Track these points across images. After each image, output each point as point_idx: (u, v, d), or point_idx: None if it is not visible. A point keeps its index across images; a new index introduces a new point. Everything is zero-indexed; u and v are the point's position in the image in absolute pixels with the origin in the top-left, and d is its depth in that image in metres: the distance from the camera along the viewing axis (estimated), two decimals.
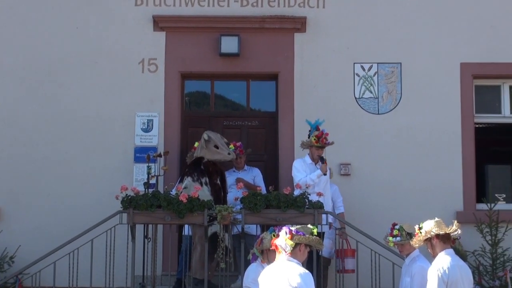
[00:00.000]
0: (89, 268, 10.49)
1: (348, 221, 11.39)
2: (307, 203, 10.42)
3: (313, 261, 10.19)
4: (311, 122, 11.36)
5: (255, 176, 12.01)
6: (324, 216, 10.57)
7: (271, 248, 7.89)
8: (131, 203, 10.30)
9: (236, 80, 13.00)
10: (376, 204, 12.18)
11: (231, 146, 11.57)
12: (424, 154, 12.41)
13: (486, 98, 12.89)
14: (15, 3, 12.67)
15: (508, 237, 11.82)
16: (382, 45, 12.67)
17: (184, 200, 10.20)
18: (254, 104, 13.02)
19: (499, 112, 12.83)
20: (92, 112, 12.44)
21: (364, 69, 12.63)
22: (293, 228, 7.27)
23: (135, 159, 12.34)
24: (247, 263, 9.27)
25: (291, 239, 7.18)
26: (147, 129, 12.44)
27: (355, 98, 12.59)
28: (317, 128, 11.28)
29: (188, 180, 10.98)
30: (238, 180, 11.58)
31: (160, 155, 11.73)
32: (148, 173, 11.47)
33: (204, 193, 10.72)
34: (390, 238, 9.02)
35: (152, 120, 12.46)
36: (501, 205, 12.27)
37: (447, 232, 7.95)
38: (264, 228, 10.27)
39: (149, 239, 10.83)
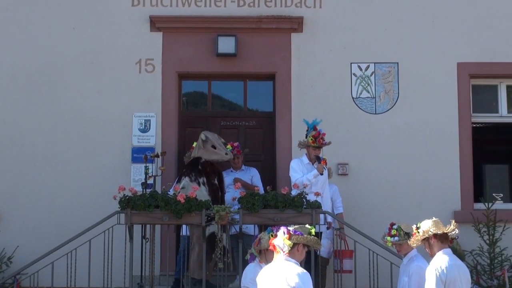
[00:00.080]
0: (87, 268, 10.48)
1: (346, 221, 11.42)
2: (305, 203, 10.41)
3: (311, 261, 10.20)
4: (309, 122, 11.37)
5: (252, 176, 12.02)
6: (322, 216, 10.58)
7: (269, 248, 7.88)
8: (129, 204, 10.29)
9: (233, 80, 13.00)
10: (374, 204, 12.19)
11: (229, 146, 11.57)
12: (421, 154, 12.42)
13: (483, 98, 12.90)
14: (12, 4, 12.66)
15: (506, 236, 11.82)
16: (379, 45, 12.68)
17: (182, 200, 10.19)
18: (251, 104, 13.02)
19: (496, 112, 12.85)
20: (90, 113, 12.43)
21: (361, 69, 12.64)
22: (291, 228, 7.28)
23: (132, 160, 12.35)
24: (245, 263, 9.28)
25: (289, 239, 7.19)
26: (145, 129, 12.44)
27: (352, 98, 12.59)
28: (314, 128, 11.28)
29: (185, 180, 10.97)
30: (236, 180, 11.58)
31: (157, 155, 11.72)
32: (146, 173, 11.46)
33: (202, 193, 10.72)
34: (388, 238, 9.03)
35: (149, 120, 12.46)
36: (498, 205, 12.29)
37: (445, 231, 7.96)
38: (262, 228, 10.28)
39: (147, 239, 10.83)
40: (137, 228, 10.70)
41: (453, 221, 8.04)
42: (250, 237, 10.69)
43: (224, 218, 10.27)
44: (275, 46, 12.67)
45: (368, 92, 12.59)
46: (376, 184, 12.32)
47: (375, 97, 12.59)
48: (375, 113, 12.55)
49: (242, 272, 9.17)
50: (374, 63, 12.66)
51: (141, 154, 12.10)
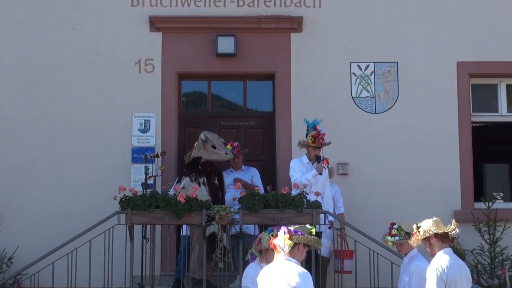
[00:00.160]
0: (87, 268, 10.48)
1: (347, 220, 11.42)
2: (305, 202, 10.41)
3: (312, 260, 10.20)
4: (309, 122, 11.36)
5: (252, 176, 12.01)
6: (322, 215, 10.58)
7: (269, 248, 7.89)
8: (129, 204, 10.29)
9: (233, 80, 13.00)
10: (374, 203, 12.20)
11: (229, 146, 11.57)
12: (421, 153, 12.42)
13: (483, 97, 12.90)
14: (11, 4, 12.66)
15: (506, 235, 11.82)
16: (379, 44, 12.68)
17: (182, 200, 10.19)
18: (251, 104, 13.02)
19: (496, 111, 12.85)
20: (89, 113, 12.43)
21: (361, 69, 12.64)
22: (291, 228, 7.28)
23: (132, 160, 12.35)
24: (246, 263, 9.28)
25: (290, 238, 7.19)
26: (144, 129, 12.44)
27: (352, 97, 12.59)
28: (314, 128, 11.28)
29: (186, 180, 10.97)
30: (236, 180, 11.58)
31: (157, 156, 11.72)
32: (146, 174, 11.44)
33: (202, 193, 10.72)
34: (389, 238, 9.03)
35: (149, 120, 12.46)
36: (499, 204, 12.28)
37: (445, 231, 7.96)
38: (263, 228, 10.28)
39: (147, 240, 10.82)
40: (137, 228, 10.69)
41: (454, 221, 8.03)
42: (250, 237, 10.69)
43: (225, 218, 10.27)
44: (274, 46, 12.67)
45: (368, 91, 12.60)
46: (376, 183, 12.32)
47: (374, 97, 12.59)
48: (375, 113, 12.55)
49: (243, 272, 9.16)
50: (374, 62, 12.66)
51: (141, 154, 12.09)
